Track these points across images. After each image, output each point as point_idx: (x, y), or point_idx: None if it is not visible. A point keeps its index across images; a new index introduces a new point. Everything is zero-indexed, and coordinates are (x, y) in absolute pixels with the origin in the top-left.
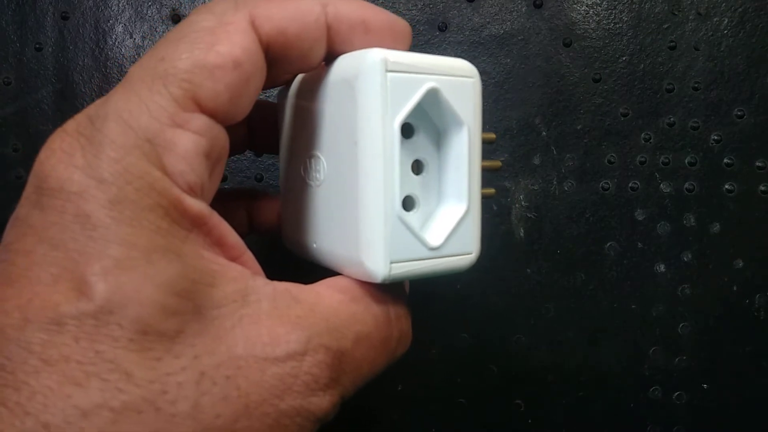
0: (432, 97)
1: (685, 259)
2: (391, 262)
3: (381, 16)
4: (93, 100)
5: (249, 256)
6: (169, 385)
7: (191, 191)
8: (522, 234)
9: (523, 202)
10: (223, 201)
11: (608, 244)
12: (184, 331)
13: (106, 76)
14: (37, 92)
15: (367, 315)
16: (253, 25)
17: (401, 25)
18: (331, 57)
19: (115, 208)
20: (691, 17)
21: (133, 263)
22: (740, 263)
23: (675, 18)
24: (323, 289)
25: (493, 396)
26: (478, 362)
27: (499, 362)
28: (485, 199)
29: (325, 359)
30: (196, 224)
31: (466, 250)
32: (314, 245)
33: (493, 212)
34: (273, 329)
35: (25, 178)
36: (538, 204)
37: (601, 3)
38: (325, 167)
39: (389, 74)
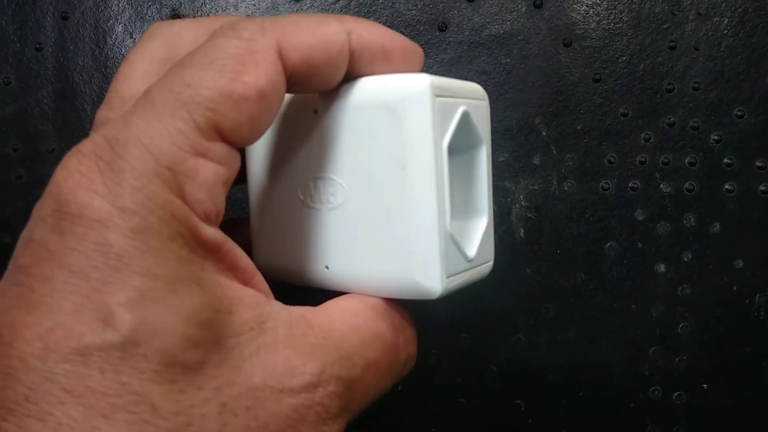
0: (464, 119)
1: (685, 259)
2: (447, 277)
3: (399, 42)
4: (93, 100)
5: (260, 278)
6: (193, 417)
7: (207, 219)
8: (522, 234)
9: (523, 202)
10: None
11: (608, 244)
12: (206, 362)
13: (106, 76)
14: (37, 92)
15: (377, 341)
16: (280, 54)
17: (416, 50)
18: (345, 78)
19: (138, 237)
20: (691, 17)
21: (158, 294)
22: (740, 263)
23: (675, 18)
24: (335, 312)
25: (493, 396)
26: (478, 362)
27: (499, 362)
28: None
29: (336, 390)
30: (211, 251)
31: (488, 258)
32: (325, 269)
33: (493, 212)
34: (289, 359)
35: (26, 178)
36: (538, 204)
37: (601, 3)
38: (345, 189)
39: (436, 99)
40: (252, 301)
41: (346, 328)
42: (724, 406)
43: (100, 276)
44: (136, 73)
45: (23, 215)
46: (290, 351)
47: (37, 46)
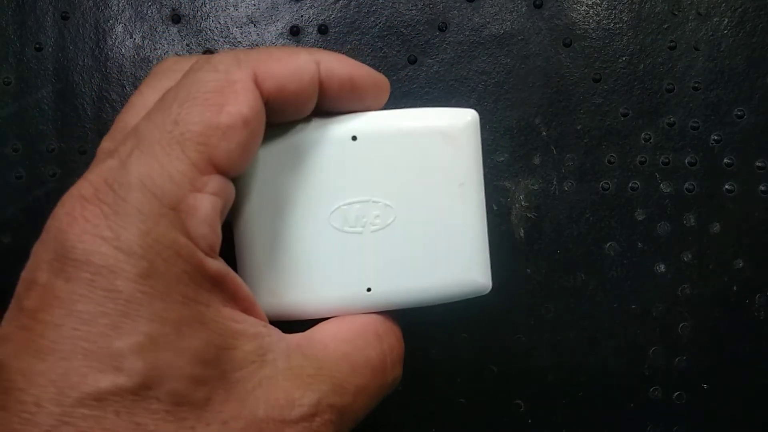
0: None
1: (685, 259)
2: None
3: (366, 72)
4: (93, 100)
5: (257, 305)
6: None
7: (211, 251)
8: (522, 234)
9: (523, 202)
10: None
11: (608, 244)
12: (213, 398)
13: (106, 76)
14: (37, 92)
15: (366, 368)
16: (256, 82)
17: (382, 80)
18: (319, 109)
19: (145, 282)
20: (691, 17)
21: (166, 339)
22: (740, 263)
23: (675, 18)
24: (329, 340)
25: (493, 396)
26: (478, 362)
27: (499, 362)
28: None
29: (331, 417)
30: (216, 283)
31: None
32: (367, 291)
33: (494, 212)
34: (289, 392)
35: (26, 178)
36: (538, 204)
37: (601, 3)
38: (393, 210)
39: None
40: (253, 331)
41: (338, 357)
42: (724, 406)
43: (109, 322)
44: (146, 106)
45: (23, 215)
46: (289, 383)
47: (37, 46)
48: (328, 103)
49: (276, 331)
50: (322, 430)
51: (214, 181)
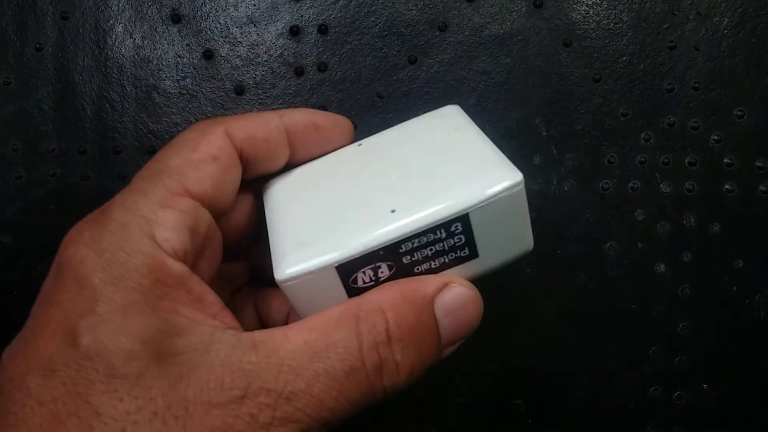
0: None
1: (685, 259)
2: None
3: (326, 117)
4: (93, 101)
5: (227, 313)
6: (128, 423)
7: (174, 254)
8: None
9: None
10: (234, 299)
11: (608, 244)
12: (144, 374)
13: (106, 76)
14: (37, 92)
15: (331, 350)
16: (228, 134)
17: (344, 122)
18: (296, 158)
19: (105, 270)
20: (691, 17)
21: (112, 317)
22: (740, 263)
23: (675, 18)
24: (294, 332)
25: (493, 396)
26: (479, 362)
27: (500, 362)
28: None
29: (266, 401)
30: (178, 283)
31: None
32: (392, 212)
33: None
34: (221, 376)
35: (26, 178)
36: (538, 204)
37: (601, 3)
38: (406, 155)
39: None
40: (207, 329)
41: (297, 345)
42: (724, 406)
43: (72, 306)
44: None
45: (23, 215)
46: (224, 369)
47: (37, 46)
48: (301, 150)
49: (234, 330)
50: (254, 412)
51: (185, 202)
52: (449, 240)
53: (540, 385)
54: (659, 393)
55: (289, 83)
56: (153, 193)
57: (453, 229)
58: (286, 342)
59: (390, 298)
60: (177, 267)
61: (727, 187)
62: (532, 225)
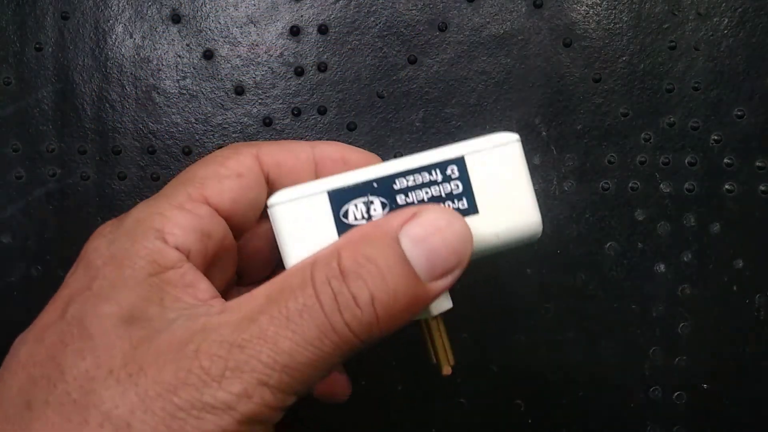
0: None
1: (685, 259)
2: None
3: (358, 153)
4: (93, 100)
5: (219, 300)
6: (85, 381)
7: (178, 249)
8: None
9: None
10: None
11: (608, 244)
12: (109, 334)
13: (106, 76)
14: (37, 92)
15: (286, 293)
16: (258, 157)
17: (374, 159)
18: None
19: (109, 255)
20: (691, 17)
21: (102, 290)
22: (740, 263)
23: (675, 18)
24: (258, 289)
25: (493, 396)
26: (478, 362)
27: (499, 362)
28: None
29: (219, 352)
30: (172, 267)
31: None
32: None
33: None
34: (180, 336)
35: (26, 178)
36: (537, 204)
37: (601, 3)
38: None
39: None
40: (189, 304)
41: (258, 299)
42: (724, 406)
43: (76, 285)
44: None
45: (23, 215)
46: (184, 329)
47: (37, 46)
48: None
49: (214, 302)
50: (206, 364)
51: (201, 208)
52: (446, 184)
53: (540, 385)
54: (659, 393)
55: (289, 83)
56: (173, 196)
57: (449, 172)
58: (250, 298)
59: (349, 238)
60: (174, 254)
61: (727, 187)
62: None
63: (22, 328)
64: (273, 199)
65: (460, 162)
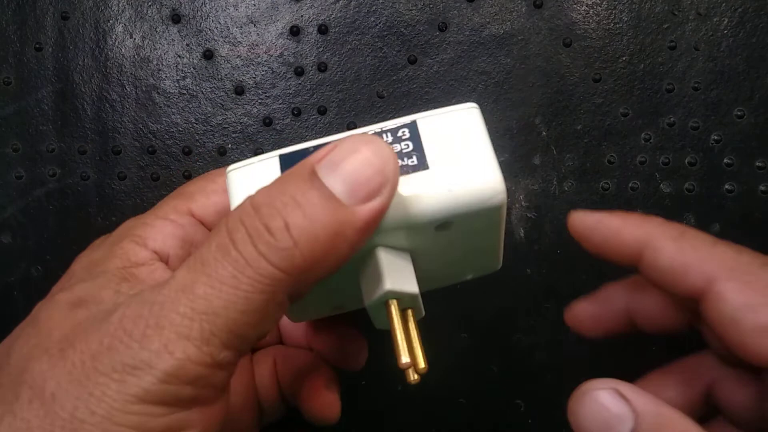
0: None
1: None
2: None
3: None
4: (93, 100)
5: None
6: (23, 361)
7: (155, 253)
8: (522, 234)
9: (523, 202)
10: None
11: None
12: (54, 317)
13: (106, 76)
14: (37, 92)
15: (206, 243)
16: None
17: None
18: None
19: (88, 260)
20: (691, 17)
21: (67, 285)
22: None
23: (675, 18)
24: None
25: (493, 396)
26: (478, 362)
27: (499, 362)
28: None
29: (141, 311)
30: (142, 264)
31: None
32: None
33: None
34: (90, 289)
35: (26, 178)
36: (538, 204)
37: (601, 3)
38: None
39: None
40: (144, 288)
41: (200, 254)
42: None
43: (55, 289)
44: None
45: (23, 215)
46: (110, 291)
47: (37, 46)
48: None
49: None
50: (128, 326)
51: (183, 218)
52: (395, 145)
53: (540, 385)
54: None
55: (289, 83)
56: (160, 209)
57: (400, 134)
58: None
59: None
60: (146, 254)
61: (727, 187)
62: (502, 167)
63: None
64: (231, 167)
65: (411, 125)
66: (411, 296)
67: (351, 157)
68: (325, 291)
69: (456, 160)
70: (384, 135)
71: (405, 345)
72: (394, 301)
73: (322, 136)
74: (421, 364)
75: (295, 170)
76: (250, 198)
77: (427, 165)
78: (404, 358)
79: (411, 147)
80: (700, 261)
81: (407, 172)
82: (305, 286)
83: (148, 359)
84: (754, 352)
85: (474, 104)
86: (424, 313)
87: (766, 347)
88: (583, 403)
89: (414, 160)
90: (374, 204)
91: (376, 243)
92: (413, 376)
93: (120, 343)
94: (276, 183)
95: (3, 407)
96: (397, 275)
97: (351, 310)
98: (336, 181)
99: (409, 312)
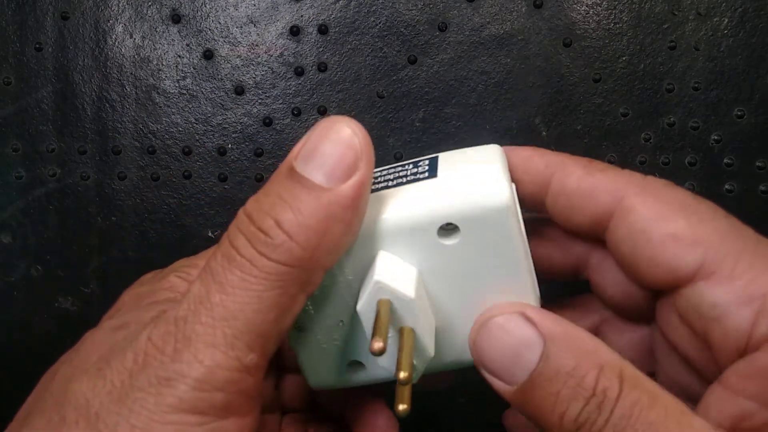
0: None
1: None
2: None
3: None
4: (93, 100)
5: None
6: (65, 383)
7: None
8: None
9: None
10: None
11: None
12: (103, 327)
13: (106, 76)
14: (37, 92)
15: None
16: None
17: None
18: None
19: (136, 292)
20: (691, 17)
21: (115, 314)
22: None
23: (675, 18)
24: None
25: (493, 396)
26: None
27: None
28: None
29: (168, 328)
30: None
31: None
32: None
33: None
34: (134, 316)
35: (26, 178)
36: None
37: (601, 3)
38: None
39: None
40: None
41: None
42: None
43: (115, 313)
44: None
45: (23, 215)
46: (140, 313)
47: (37, 46)
48: None
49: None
50: (158, 342)
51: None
52: (413, 169)
53: None
54: None
55: (289, 83)
56: (210, 251)
57: (420, 164)
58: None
59: None
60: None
61: (727, 187)
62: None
63: (23, 327)
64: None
65: (433, 158)
66: (405, 301)
67: (321, 143)
68: (334, 332)
69: (465, 171)
70: (405, 167)
71: (383, 332)
72: (386, 303)
73: None
74: (404, 403)
75: (277, 172)
76: (243, 208)
77: (436, 175)
78: (377, 344)
79: (427, 167)
80: (609, 181)
81: (416, 180)
82: (315, 274)
83: (180, 370)
84: (664, 262)
85: (497, 145)
86: (432, 353)
87: (676, 257)
88: (488, 333)
89: (426, 174)
90: (355, 179)
91: (380, 249)
92: (404, 408)
93: (154, 359)
94: (262, 188)
95: (50, 429)
96: (393, 275)
97: (376, 381)
98: (313, 170)
99: (408, 330)
